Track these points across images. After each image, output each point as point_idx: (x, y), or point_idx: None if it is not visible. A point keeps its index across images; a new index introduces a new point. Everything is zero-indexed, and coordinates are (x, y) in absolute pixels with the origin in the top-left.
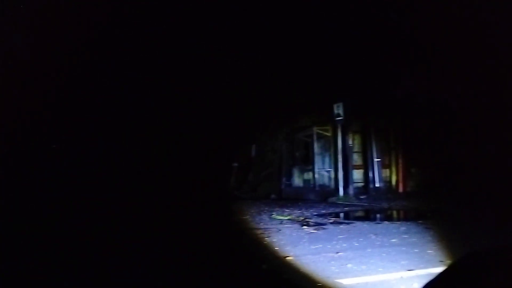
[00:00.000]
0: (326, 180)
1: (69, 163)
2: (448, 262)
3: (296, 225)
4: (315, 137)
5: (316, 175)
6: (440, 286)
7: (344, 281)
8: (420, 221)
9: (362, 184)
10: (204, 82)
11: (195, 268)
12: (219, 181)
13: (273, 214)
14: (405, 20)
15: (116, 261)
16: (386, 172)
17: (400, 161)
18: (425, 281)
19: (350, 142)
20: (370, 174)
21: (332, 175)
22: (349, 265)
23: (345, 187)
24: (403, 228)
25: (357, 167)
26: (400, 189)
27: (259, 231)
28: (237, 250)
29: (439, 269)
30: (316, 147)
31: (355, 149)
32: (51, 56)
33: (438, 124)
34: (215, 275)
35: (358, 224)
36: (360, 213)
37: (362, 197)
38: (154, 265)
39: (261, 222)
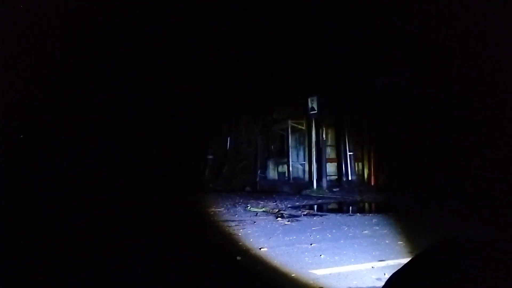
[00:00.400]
0: (300, 173)
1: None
2: (417, 253)
3: (271, 217)
4: (290, 130)
5: (291, 168)
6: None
7: (317, 272)
8: (391, 213)
9: (335, 177)
10: (179, 74)
11: (168, 261)
12: (194, 174)
13: (248, 206)
14: (380, 15)
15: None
16: (358, 166)
17: (372, 154)
18: (394, 271)
19: (324, 135)
20: (343, 167)
21: (306, 168)
22: (322, 256)
23: (319, 180)
24: (374, 220)
25: (331, 160)
26: (372, 182)
27: (233, 223)
28: (211, 242)
29: (408, 260)
30: (291, 140)
31: (329, 143)
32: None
33: (409, 119)
34: (189, 267)
35: (332, 216)
36: (333, 206)
37: (335, 189)
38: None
39: (236, 214)
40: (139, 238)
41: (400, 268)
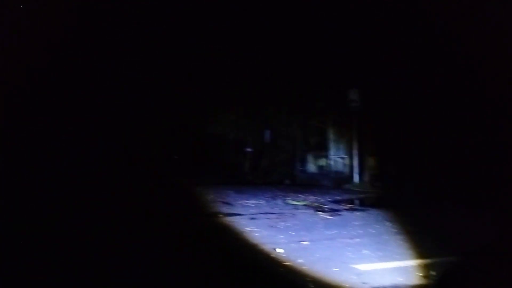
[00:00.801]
0: (341, 167)
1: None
2: (467, 250)
3: (311, 211)
4: (330, 123)
5: (331, 162)
6: (460, 274)
7: (360, 267)
8: (435, 209)
9: (378, 171)
10: (218, 67)
11: (211, 251)
12: (233, 166)
13: (287, 199)
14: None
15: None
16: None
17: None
18: (442, 268)
19: (366, 128)
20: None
21: (347, 162)
22: (365, 251)
23: (361, 174)
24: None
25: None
26: None
27: (273, 216)
28: (251, 234)
29: (457, 257)
30: (331, 133)
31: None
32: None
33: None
34: (231, 258)
35: (374, 211)
36: (375, 200)
37: (377, 184)
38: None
39: (275, 207)
40: (187, 222)
41: (451, 267)
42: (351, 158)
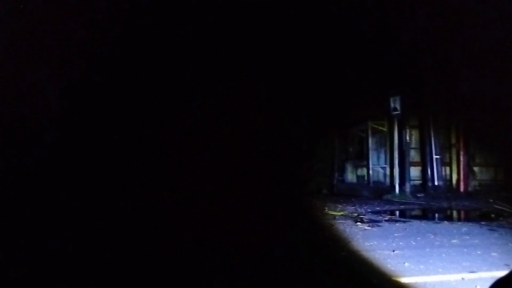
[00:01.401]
0: (381, 177)
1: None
2: None
3: (350, 221)
4: (370, 132)
5: (371, 171)
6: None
7: (402, 280)
8: (483, 223)
9: (419, 181)
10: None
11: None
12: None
13: (325, 209)
14: (471, 13)
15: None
16: (446, 170)
17: (461, 158)
18: (488, 283)
19: (407, 137)
20: (429, 172)
21: (388, 172)
22: (406, 264)
23: (401, 185)
24: (464, 229)
25: (415, 164)
26: (461, 188)
27: (311, 226)
28: (291, 242)
29: (505, 273)
30: (371, 142)
31: (413, 145)
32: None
33: (502, 122)
34: (270, 267)
35: (415, 222)
36: (417, 212)
37: (419, 195)
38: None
39: (313, 217)
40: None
41: (501, 278)
42: (392, 168)
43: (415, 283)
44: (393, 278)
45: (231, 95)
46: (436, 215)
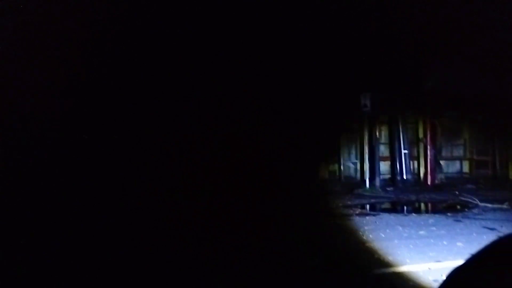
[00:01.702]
0: (352, 172)
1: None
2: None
3: (322, 216)
4: (341, 128)
5: (342, 167)
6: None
7: (371, 272)
8: (449, 214)
9: (389, 176)
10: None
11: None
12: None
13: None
14: (438, 10)
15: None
16: (414, 164)
17: (428, 153)
18: (452, 272)
19: (377, 133)
20: (398, 166)
21: (358, 167)
22: (375, 256)
23: (372, 179)
24: (431, 221)
25: (384, 159)
26: (429, 182)
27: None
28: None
29: (467, 261)
30: (342, 138)
31: (382, 141)
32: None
33: (467, 116)
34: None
35: (385, 216)
36: (387, 205)
37: (389, 189)
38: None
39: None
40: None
41: (460, 265)
42: (362, 163)
43: (384, 274)
44: (363, 271)
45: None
46: (405, 208)
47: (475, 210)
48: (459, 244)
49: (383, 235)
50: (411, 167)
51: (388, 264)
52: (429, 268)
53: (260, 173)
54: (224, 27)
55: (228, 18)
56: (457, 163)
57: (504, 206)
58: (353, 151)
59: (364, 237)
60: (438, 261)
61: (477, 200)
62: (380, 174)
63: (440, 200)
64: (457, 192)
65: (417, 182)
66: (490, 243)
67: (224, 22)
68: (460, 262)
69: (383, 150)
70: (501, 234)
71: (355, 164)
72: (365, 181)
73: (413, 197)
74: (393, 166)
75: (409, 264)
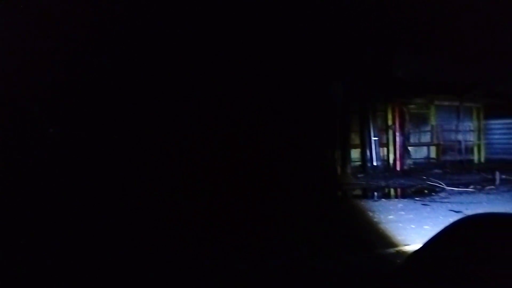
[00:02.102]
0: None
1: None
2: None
3: None
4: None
5: None
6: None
7: (342, 258)
8: (417, 198)
9: (359, 163)
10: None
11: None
12: None
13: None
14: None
15: None
16: (383, 151)
17: (397, 139)
18: (416, 255)
19: (348, 121)
20: (368, 153)
21: (331, 154)
22: (345, 242)
23: (343, 166)
24: (400, 205)
25: (355, 147)
26: (398, 167)
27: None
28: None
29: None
30: (315, 126)
31: (353, 129)
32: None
33: (434, 103)
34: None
35: (356, 202)
36: (357, 191)
37: (360, 175)
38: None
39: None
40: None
41: (416, 250)
42: (334, 150)
43: (353, 259)
44: (332, 257)
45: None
46: (375, 193)
47: (442, 194)
48: (426, 227)
49: (354, 221)
50: (381, 154)
51: (357, 249)
52: (397, 252)
53: (240, 166)
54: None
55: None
56: (425, 149)
57: (469, 189)
58: (325, 139)
59: (335, 224)
60: (407, 244)
61: (443, 184)
62: (351, 161)
63: (408, 185)
64: (424, 177)
65: (386, 168)
66: (445, 227)
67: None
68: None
69: (354, 137)
70: None
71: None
72: (337, 168)
73: (383, 183)
74: (363, 153)
75: (378, 248)
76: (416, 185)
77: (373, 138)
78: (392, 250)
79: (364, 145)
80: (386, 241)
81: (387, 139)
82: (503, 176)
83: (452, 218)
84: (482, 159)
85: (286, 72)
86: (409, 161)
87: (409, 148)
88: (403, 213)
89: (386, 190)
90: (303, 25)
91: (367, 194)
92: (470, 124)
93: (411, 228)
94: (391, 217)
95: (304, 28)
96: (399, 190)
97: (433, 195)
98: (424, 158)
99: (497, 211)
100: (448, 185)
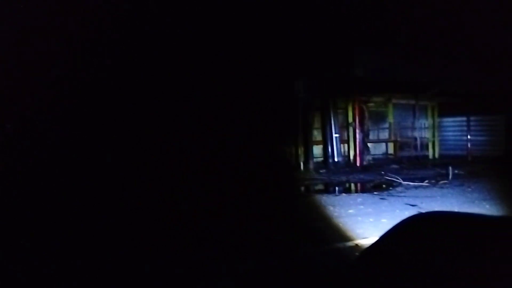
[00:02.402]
0: (287, 155)
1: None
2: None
3: None
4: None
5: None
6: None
7: (302, 251)
8: (375, 193)
9: (321, 159)
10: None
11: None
12: None
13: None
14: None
15: None
16: (344, 147)
17: (357, 136)
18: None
19: (310, 118)
20: (329, 149)
21: (293, 150)
22: (307, 236)
23: (306, 162)
24: (359, 200)
25: (317, 143)
26: (358, 163)
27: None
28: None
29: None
30: (278, 123)
31: (316, 125)
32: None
33: (392, 102)
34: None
35: (317, 197)
36: (319, 187)
37: (321, 171)
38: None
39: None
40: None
41: (368, 246)
42: (297, 147)
43: (313, 253)
44: (294, 251)
45: None
46: (336, 188)
47: (399, 188)
48: (383, 220)
49: (315, 215)
50: (342, 150)
51: (318, 243)
52: (356, 245)
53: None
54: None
55: None
56: (383, 145)
57: (424, 183)
58: (289, 135)
59: (297, 218)
60: (365, 237)
61: (400, 179)
62: (313, 157)
63: (367, 180)
64: (383, 172)
65: (347, 164)
66: (396, 225)
67: None
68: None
69: (317, 134)
70: (421, 210)
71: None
72: (299, 164)
73: (343, 178)
74: (325, 149)
75: (338, 241)
76: (374, 180)
77: (334, 135)
78: (351, 243)
79: (326, 142)
80: (345, 235)
81: (348, 136)
82: (456, 171)
83: (408, 211)
84: (437, 155)
85: (250, 70)
86: (368, 157)
87: (369, 144)
88: (362, 207)
89: (347, 185)
90: (266, 23)
91: (328, 189)
92: (426, 122)
93: (370, 222)
94: (351, 211)
95: (268, 26)
96: (359, 185)
97: (390, 189)
98: (383, 154)
99: (447, 210)
100: (404, 179)
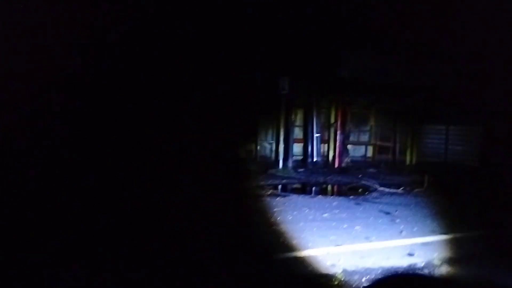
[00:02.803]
0: (268, 152)
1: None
2: (373, 239)
3: None
4: (260, 109)
5: (258, 147)
6: None
7: (274, 257)
8: (351, 197)
9: (301, 157)
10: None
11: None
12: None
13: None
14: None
15: None
16: (324, 147)
17: (338, 137)
18: (350, 257)
19: (293, 116)
20: (309, 148)
21: (274, 148)
22: (280, 240)
23: (285, 160)
24: (335, 203)
25: (298, 141)
26: (336, 164)
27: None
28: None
29: (364, 246)
30: (261, 118)
31: (297, 123)
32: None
33: (374, 104)
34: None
35: (294, 197)
36: (297, 186)
37: (300, 170)
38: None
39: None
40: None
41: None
42: (277, 144)
43: (286, 258)
44: (266, 256)
45: None
46: (313, 189)
47: (374, 194)
48: (357, 227)
49: (290, 217)
50: (322, 150)
51: (290, 249)
52: (328, 253)
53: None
54: None
55: None
56: (363, 148)
57: (399, 191)
58: (270, 132)
59: (272, 220)
60: (338, 245)
61: (377, 185)
62: (293, 155)
63: (344, 183)
64: (360, 175)
65: (326, 164)
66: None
67: None
68: (356, 246)
69: (298, 132)
70: (395, 218)
71: (271, 144)
72: (278, 161)
73: (321, 179)
74: (305, 148)
75: (310, 248)
76: (351, 183)
77: (315, 134)
78: (322, 250)
79: (307, 140)
80: (317, 240)
81: (329, 136)
82: (431, 179)
83: (382, 219)
84: (414, 161)
85: (232, 67)
86: (347, 159)
87: (348, 146)
88: (337, 211)
89: (324, 187)
90: (251, 21)
91: (305, 189)
92: (406, 127)
93: (343, 228)
94: (325, 215)
95: (252, 24)
96: (335, 187)
97: (366, 194)
98: (361, 157)
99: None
100: (380, 185)
